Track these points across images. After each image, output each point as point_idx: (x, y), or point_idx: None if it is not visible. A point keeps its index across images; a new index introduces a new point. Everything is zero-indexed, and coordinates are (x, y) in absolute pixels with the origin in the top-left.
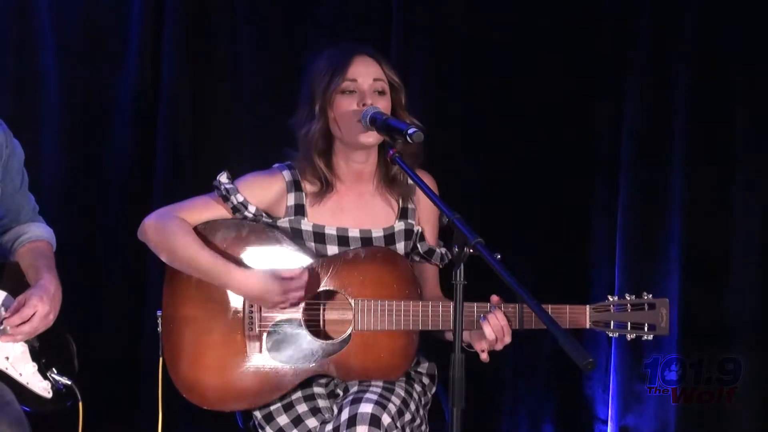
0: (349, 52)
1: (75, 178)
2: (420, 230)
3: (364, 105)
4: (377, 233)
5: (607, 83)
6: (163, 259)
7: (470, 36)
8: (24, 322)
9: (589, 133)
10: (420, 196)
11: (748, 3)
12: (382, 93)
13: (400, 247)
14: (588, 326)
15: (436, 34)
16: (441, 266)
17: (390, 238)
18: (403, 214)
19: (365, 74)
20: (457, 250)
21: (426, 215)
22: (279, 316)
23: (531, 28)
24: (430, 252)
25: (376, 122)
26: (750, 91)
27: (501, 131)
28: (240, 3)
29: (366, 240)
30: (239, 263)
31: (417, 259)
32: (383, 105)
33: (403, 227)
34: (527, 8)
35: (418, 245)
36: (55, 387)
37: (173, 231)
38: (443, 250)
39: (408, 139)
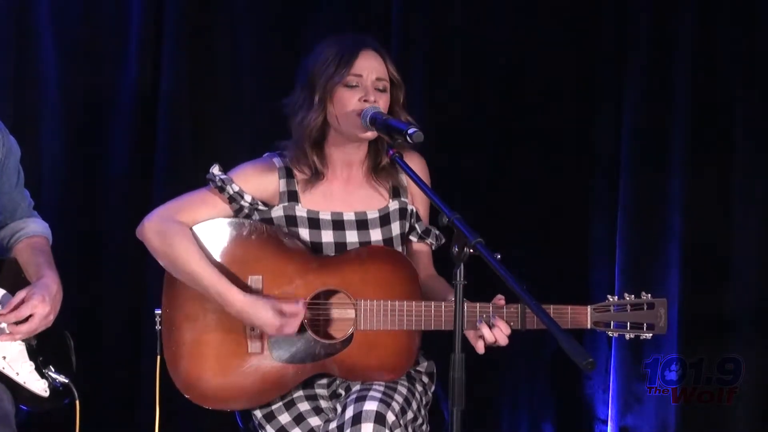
0: (356, 46)
1: (75, 177)
2: (414, 209)
3: (366, 101)
4: (372, 215)
5: (607, 83)
6: (163, 265)
7: (470, 36)
8: (23, 322)
9: (589, 133)
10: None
11: (748, 3)
12: (383, 90)
13: (396, 226)
14: (589, 326)
15: (436, 35)
16: (434, 247)
17: (385, 218)
18: (395, 193)
19: (370, 70)
20: (457, 249)
21: (418, 195)
22: None
23: (531, 27)
24: (426, 231)
25: (376, 122)
26: (750, 91)
27: (501, 131)
28: (240, 3)
29: (361, 222)
30: (240, 272)
31: (414, 239)
32: (383, 102)
33: (397, 206)
34: (527, 8)
35: (416, 225)
36: (53, 385)
37: (175, 241)
38: (437, 231)
39: (408, 139)
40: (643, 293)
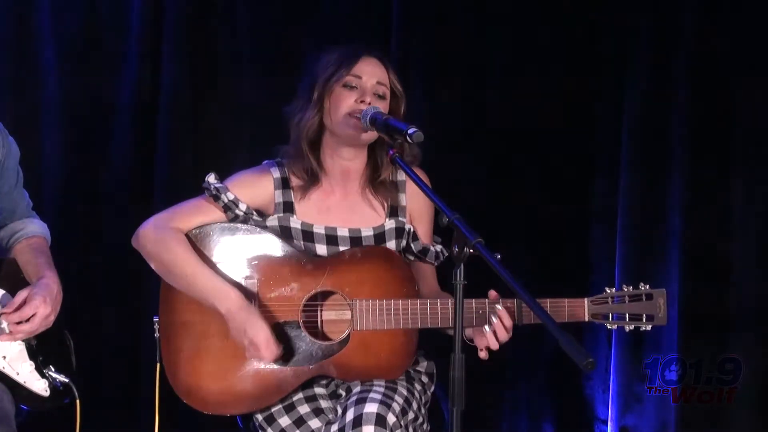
0: (359, 50)
1: (75, 178)
2: (411, 229)
3: (362, 102)
4: (367, 232)
5: (607, 83)
6: (158, 271)
7: (470, 36)
8: (24, 322)
9: (589, 133)
10: (412, 194)
11: (748, 2)
12: (382, 97)
13: (391, 245)
14: (587, 319)
15: (436, 35)
16: (436, 264)
17: (380, 237)
18: (393, 212)
19: (370, 74)
20: (457, 250)
21: (419, 213)
22: (277, 318)
23: (531, 28)
24: (424, 251)
25: (377, 122)
26: (750, 91)
27: (501, 131)
28: (240, 3)
29: (355, 239)
30: (235, 275)
31: (411, 258)
32: (381, 108)
33: (393, 225)
34: (528, 9)
35: (412, 244)
36: (53, 385)
37: (169, 246)
38: (438, 247)
39: (408, 138)
40: (642, 284)
